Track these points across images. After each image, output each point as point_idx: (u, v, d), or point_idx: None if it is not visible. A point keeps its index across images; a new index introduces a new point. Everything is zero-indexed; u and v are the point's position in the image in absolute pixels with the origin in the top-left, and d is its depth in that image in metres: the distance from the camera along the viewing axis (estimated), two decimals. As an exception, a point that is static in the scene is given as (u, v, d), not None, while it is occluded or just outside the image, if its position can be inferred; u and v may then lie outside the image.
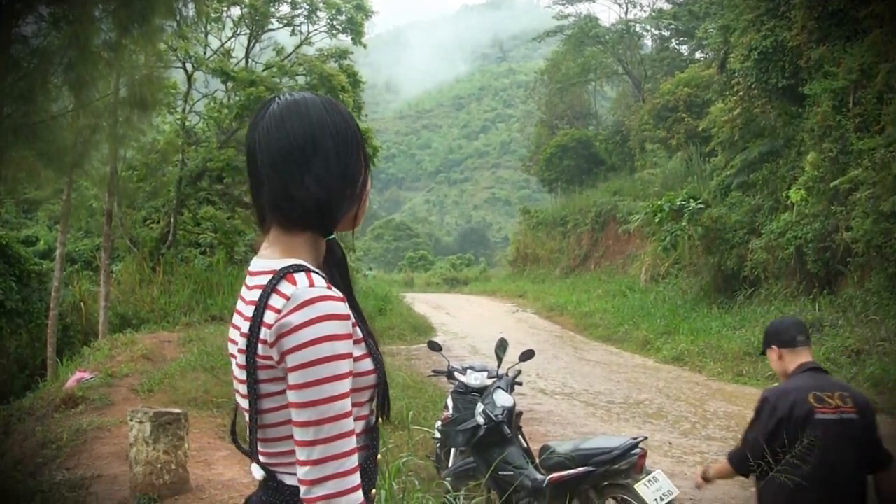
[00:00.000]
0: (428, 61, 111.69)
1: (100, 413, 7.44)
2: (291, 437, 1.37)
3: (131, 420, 5.34)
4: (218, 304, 13.74)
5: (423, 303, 23.18)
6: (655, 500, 3.98)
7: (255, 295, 1.42)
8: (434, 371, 5.78)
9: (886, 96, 11.53)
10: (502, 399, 4.74)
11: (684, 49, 31.38)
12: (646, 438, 4.36)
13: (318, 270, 1.44)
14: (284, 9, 19.31)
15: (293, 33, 19.58)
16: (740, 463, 3.20)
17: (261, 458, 1.45)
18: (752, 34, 14.75)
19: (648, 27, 32.57)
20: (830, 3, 13.26)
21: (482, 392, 4.93)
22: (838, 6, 13.19)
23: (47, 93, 8.15)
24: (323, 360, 1.32)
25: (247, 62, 18.71)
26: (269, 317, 1.37)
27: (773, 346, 3.29)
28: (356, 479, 1.35)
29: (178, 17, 9.96)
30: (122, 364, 9.27)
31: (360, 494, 1.35)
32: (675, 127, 23.64)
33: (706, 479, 3.53)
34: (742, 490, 5.47)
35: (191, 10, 10.89)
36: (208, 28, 17.64)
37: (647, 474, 4.12)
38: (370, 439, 1.49)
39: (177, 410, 5.58)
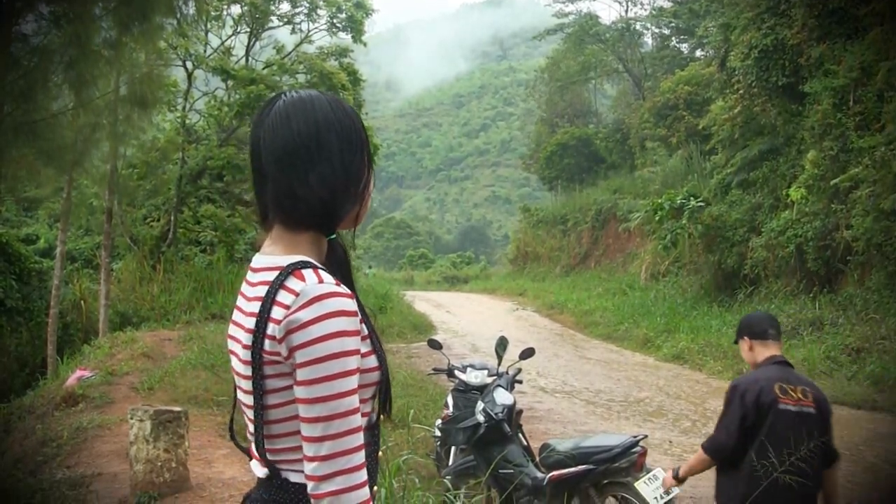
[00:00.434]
0: (428, 59, 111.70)
1: (100, 411, 7.44)
2: (297, 433, 1.37)
3: (131, 418, 5.34)
4: (218, 302, 13.75)
5: (424, 301, 23.19)
6: (655, 498, 3.99)
7: (260, 291, 1.42)
8: (434, 369, 5.78)
9: (887, 94, 11.53)
10: (502, 397, 4.74)
11: (684, 47, 31.37)
12: (646, 437, 4.36)
13: (324, 267, 1.44)
14: (285, 7, 19.32)
15: (293, 31, 19.58)
16: (716, 451, 3.30)
17: (266, 455, 1.44)
18: (752, 32, 14.74)
19: (649, 25, 32.55)
20: (831, 2, 13.25)
21: (482, 390, 4.93)
22: (838, 4, 13.18)
23: (47, 91, 8.16)
24: (332, 356, 1.33)
25: (247, 60, 18.70)
26: (276, 312, 1.37)
27: (745, 338, 3.46)
28: (363, 474, 1.35)
29: (178, 15, 9.95)
30: (123, 362, 9.28)
31: (367, 490, 1.35)
32: (676, 125, 23.64)
33: (678, 478, 3.59)
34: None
35: (191, 8, 10.86)
36: (208, 26, 17.63)
37: (648, 472, 4.12)
38: (371, 436, 1.49)
39: (177, 408, 5.58)
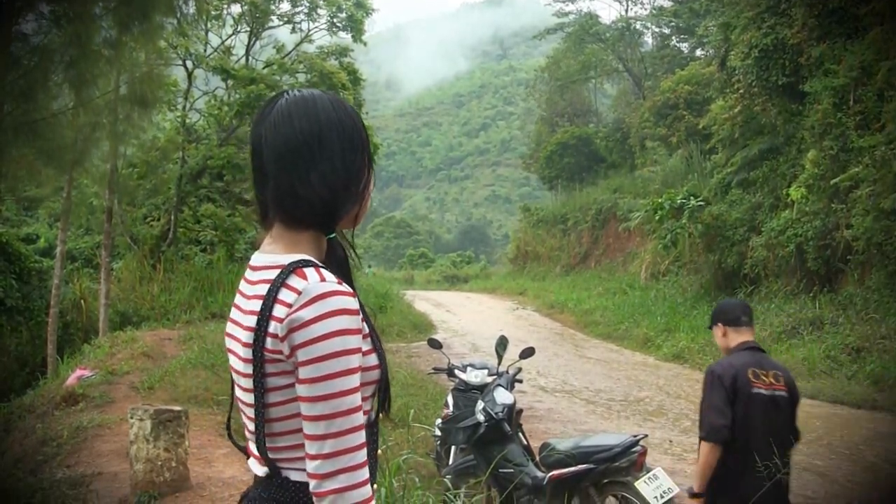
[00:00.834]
0: (428, 59, 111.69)
1: (100, 411, 7.44)
2: (298, 431, 1.38)
3: (132, 417, 5.34)
4: (218, 301, 13.74)
5: (424, 300, 23.19)
6: (656, 497, 3.99)
7: (261, 289, 1.42)
8: (434, 368, 5.78)
9: (887, 94, 11.53)
10: (502, 397, 4.74)
11: (685, 47, 31.36)
12: (646, 436, 4.36)
13: (325, 266, 1.45)
14: (285, 6, 19.31)
15: (293, 31, 19.57)
16: (716, 433, 3.33)
17: (266, 454, 1.44)
18: (752, 32, 14.74)
19: (649, 25, 32.53)
20: (831, 1, 13.25)
21: (482, 390, 4.93)
22: (839, 4, 13.18)
23: (48, 90, 8.16)
24: (335, 354, 1.33)
25: (247, 60, 18.69)
26: (278, 311, 1.37)
27: (719, 324, 3.57)
28: (366, 472, 1.35)
29: (178, 15, 9.97)
30: (123, 362, 9.28)
31: (369, 488, 1.36)
32: (676, 124, 23.63)
33: (695, 495, 3.49)
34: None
35: (191, 8, 10.88)
36: (209, 25, 17.61)
37: (648, 472, 4.12)
38: (370, 435, 1.49)
39: (177, 408, 5.58)
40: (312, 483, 1.34)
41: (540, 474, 4.42)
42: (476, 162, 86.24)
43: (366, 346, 1.43)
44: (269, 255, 1.46)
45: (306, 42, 19.51)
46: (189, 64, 16.58)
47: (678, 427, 8.31)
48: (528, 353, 5.22)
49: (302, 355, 1.34)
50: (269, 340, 1.38)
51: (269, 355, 1.38)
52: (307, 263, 1.41)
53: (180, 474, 5.32)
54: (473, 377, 5.08)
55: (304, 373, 1.34)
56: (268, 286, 1.40)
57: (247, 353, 1.41)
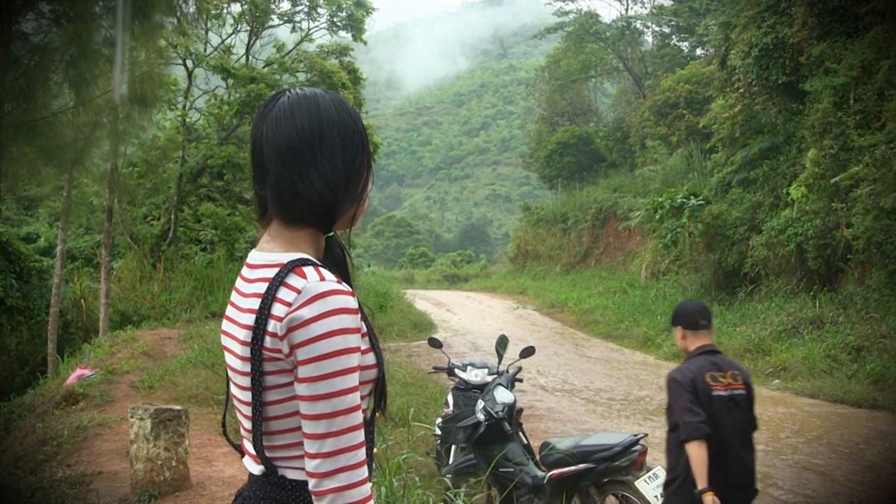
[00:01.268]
0: (428, 58, 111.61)
1: (100, 410, 7.45)
2: (296, 430, 1.38)
3: (132, 417, 5.34)
4: (218, 300, 13.75)
5: (424, 299, 23.20)
6: (656, 496, 3.99)
7: (259, 287, 1.41)
8: (434, 368, 5.78)
9: (887, 93, 11.53)
10: (503, 396, 4.74)
11: (685, 46, 31.35)
12: (646, 435, 4.37)
13: (323, 265, 1.44)
14: (285, 5, 19.39)
15: (294, 30, 19.61)
16: (697, 430, 3.37)
17: (263, 452, 1.44)
18: (752, 31, 14.73)
19: (649, 24, 32.51)
20: (831, 0, 13.24)
21: (483, 389, 4.94)
22: (839, 3, 13.17)
23: (48, 90, 8.15)
24: (335, 353, 1.33)
25: (247, 59, 18.70)
26: (278, 309, 1.37)
27: (679, 327, 3.69)
28: (365, 471, 1.35)
29: (178, 14, 9.97)
30: (123, 361, 9.28)
31: (368, 487, 1.36)
32: (676, 123, 23.64)
33: (703, 492, 3.41)
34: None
35: (191, 7, 10.89)
36: (209, 25, 17.63)
37: (648, 471, 4.13)
38: (367, 433, 1.49)
39: (177, 407, 5.58)
40: (312, 482, 1.33)
41: (540, 473, 4.42)
42: (476, 161, 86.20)
43: (364, 345, 1.43)
44: (268, 253, 1.46)
45: (306, 41, 19.55)
46: (189, 63, 16.59)
47: (678, 426, 8.29)
48: (528, 352, 5.23)
49: (302, 354, 1.33)
50: (268, 339, 1.37)
51: (267, 354, 1.38)
52: (306, 262, 1.41)
53: (180, 473, 5.32)
54: (474, 376, 5.08)
55: (303, 372, 1.34)
56: (266, 284, 1.40)
57: (244, 351, 1.41)
